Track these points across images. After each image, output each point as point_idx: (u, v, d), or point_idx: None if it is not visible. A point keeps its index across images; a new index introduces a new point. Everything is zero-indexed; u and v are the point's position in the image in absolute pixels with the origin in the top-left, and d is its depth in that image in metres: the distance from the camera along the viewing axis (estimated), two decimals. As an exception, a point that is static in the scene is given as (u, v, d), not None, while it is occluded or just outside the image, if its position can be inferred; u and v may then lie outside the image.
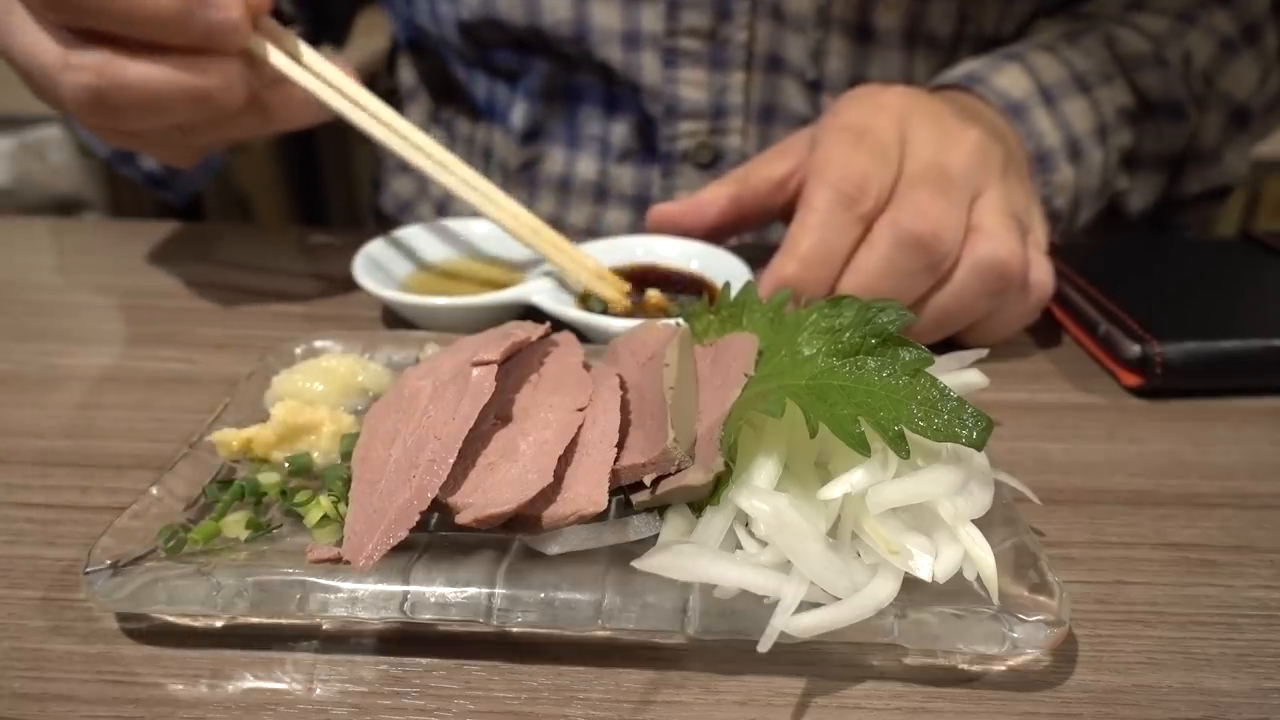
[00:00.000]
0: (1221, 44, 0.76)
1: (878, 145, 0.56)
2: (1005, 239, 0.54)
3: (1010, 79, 0.69)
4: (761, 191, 0.63)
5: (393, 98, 0.99)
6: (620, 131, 0.82)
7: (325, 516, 0.39)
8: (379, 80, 1.04)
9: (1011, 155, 0.62)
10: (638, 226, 0.85)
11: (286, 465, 0.43)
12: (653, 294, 0.64)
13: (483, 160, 0.91)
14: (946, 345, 0.59)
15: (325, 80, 0.60)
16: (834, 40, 0.76)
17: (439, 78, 0.92)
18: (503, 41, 0.81)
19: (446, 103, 0.93)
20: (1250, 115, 0.78)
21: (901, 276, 0.54)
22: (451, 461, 0.38)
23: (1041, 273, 0.57)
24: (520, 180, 0.87)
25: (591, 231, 0.86)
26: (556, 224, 0.88)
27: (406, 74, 0.96)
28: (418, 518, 0.36)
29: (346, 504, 0.39)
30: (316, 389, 0.48)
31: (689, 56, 0.77)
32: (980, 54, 0.73)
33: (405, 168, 0.98)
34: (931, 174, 0.55)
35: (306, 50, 0.60)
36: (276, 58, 0.57)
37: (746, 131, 0.80)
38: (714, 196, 0.64)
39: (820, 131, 0.59)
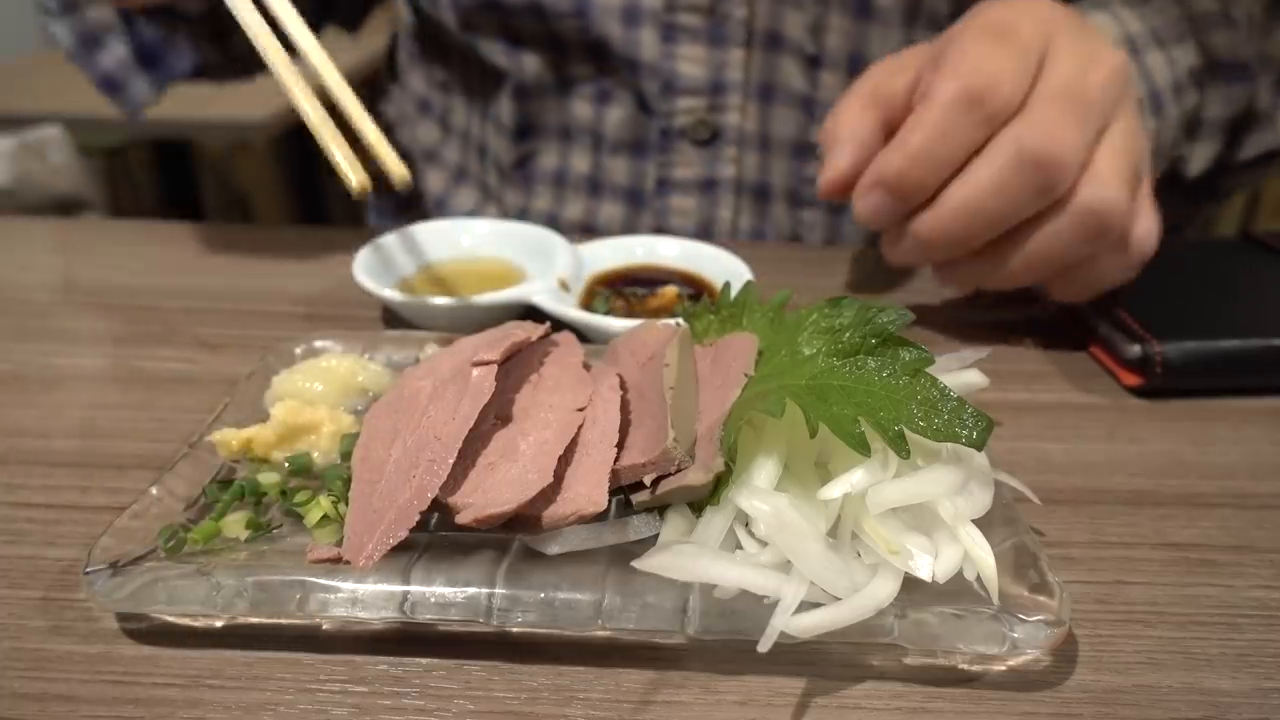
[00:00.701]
0: (1267, 7, 0.74)
1: (1019, 46, 0.52)
2: (1116, 187, 0.51)
3: (1101, 23, 0.66)
4: (897, 106, 0.57)
5: (390, 94, 0.99)
6: (613, 122, 0.82)
7: (325, 516, 0.39)
8: (380, 78, 1.05)
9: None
10: (632, 219, 0.85)
11: (286, 465, 0.43)
12: (670, 290, 0.64)
13: (479, 155, 0.91)
14: (947, 342, 0.60)
15: None
16: (833, 16, 0.76)
17: (434, 70, 0.92)
18: (496, 27, 0.80)
19: (442, 95, 0.93)
20: None
21: (1013, 197, 0.51)
22: (451, 461, 0.38)
23: (1145, 227, 0.54)
24: (515, 177, 0.88)
25: (587, 226, 0.86)
26: (552, 219, 0.88)
27: (403, 66, 0.96)
28: (418, 518, 0.36)
29: (346, 504, 0.39)
30: (316, 389, 0.48)
31: (688, 32, 0.77)
32: None
33: (404, 160, 0.98)
34: (1069, 91, 0.51)
35: None
36: None
37: (745, 109, 0.80)
38: (860, 125, 0.57)
39: (958, 30, 0.56)
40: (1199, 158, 0.75)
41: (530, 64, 0.81)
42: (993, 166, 0.51)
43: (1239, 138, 0.77)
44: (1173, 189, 0.76)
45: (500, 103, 0.85)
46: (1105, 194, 0.51)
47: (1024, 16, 0.54)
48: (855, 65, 0.77)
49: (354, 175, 0.54)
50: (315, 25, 0.96)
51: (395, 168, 0.57)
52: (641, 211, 0.85)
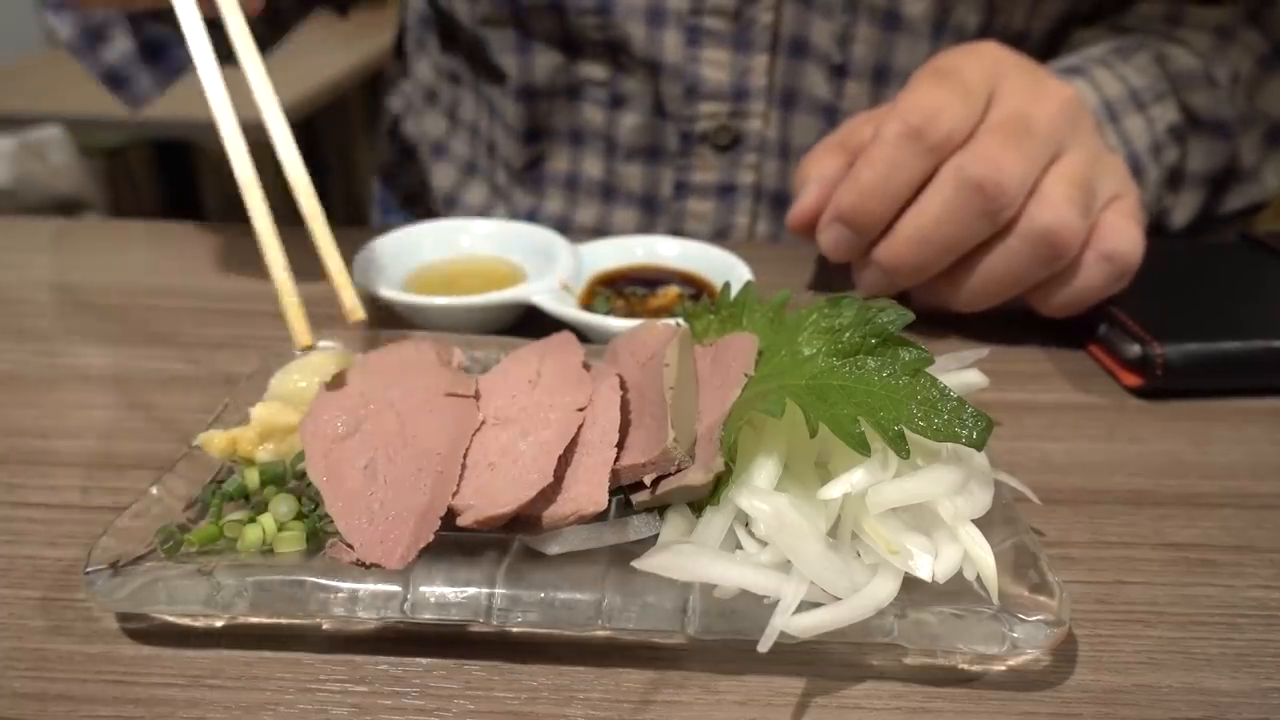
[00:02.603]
0: (1258, 61, 0.76)
1: (960, 85, 0.55)
2: (1064, 210, 0.53)
3: (1078, 89, 0.68)
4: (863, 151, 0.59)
5: (397, 86, 0.99)
6: (627, 128, 0.82)
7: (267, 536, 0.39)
8: (388, 68, 1.04)
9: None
10: (647, 224, 0.85)
11: (260, 475, 0.41)
12: (670, 290, 0.64)
13: (488, 154, 0.90)
14: (947, 342, 0.60)
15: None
16: (861, 26, 0.76)
17: (442, 60, 0.91)
18: (511, 23, 0.80)
19: (450, 86, 0.92)
20: None
21: (960, 223, 0.54)
22: (458, 472, 0.39)
23: (1122, 241, 0.56)
24: (525, 178, 0.87)
25: (600, 230, 0.86)
26: (564, 222, 0.87)
27: (411, 54, 0.96)
28: (439, 522, 0.37)
29: (317, 517, 0.39)
30: (314, 389, 0.47)
31: (713, 36, 0.77)
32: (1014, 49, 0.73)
33: (410, 155, 0.98)
34: (1011, 123, 0.54)
35: None
36: None
37: (768, 116, 0.80)
38: (827, 166, 0.61)
39: (911, 77, 0.59)
40: (1183, 210, 0.76)
41: (541, 65, 0.81)
42: (939, 195, 0.54)
43: (1222, 191, 0.78)
44: (1155, 240, 0.78)
45: (505, 105, 0.85)
46: (1051, 216, 0.54)
47: (970, 59, 0.58)
48: (881, 76, 0.78)
49: (303, 338, 0.50)
50: (301, 10, 0.95)
51: (350, 305, 0.51)
52: (657, 216, 0.85)
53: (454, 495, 0.38)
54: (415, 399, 0.44)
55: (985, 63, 0.57)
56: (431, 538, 0.36)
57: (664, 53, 0.77)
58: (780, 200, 0.84)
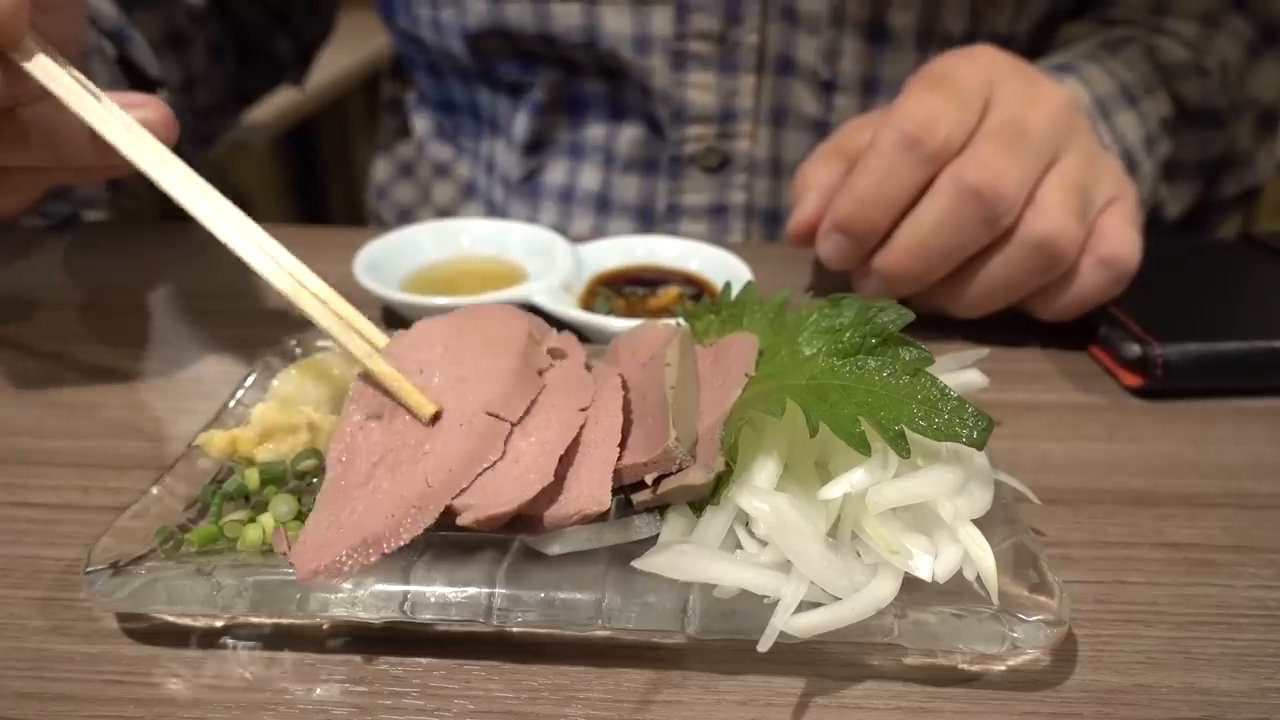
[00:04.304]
0: (1246, 47, 0.76)
1: (955, 91, 0.55)
2: (1061, 218, 0.54)
3: (1069, 87, 0.68)
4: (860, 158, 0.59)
5: (396, 106, 0.99)
6: (625, 141, 0.82)
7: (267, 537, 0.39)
8: (382, 86, 1.04)
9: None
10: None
11: (260, 475, 0.41)
12: (671, 290, 0.64)
13: (486, 172, 0.91)
14: (947, 342, 0.60)
15: (119, 122, 0.48)
16: (848, 40, 0.76)
17: (440, 89, 0.91)
18: (507, 52, 0.80)
19: (449, 114, 0.92)
20: (1276, 117, 0.78)
21: (959, 230, 0.54)
22: (438, 511, 0.37)
23: (1119, 246, 0.56)
24: (522, 191, 0.87)
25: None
26: (558, 234, 0.88)
27: (409, 83, 0.96)
28: (373, 560, 0.36)
29: (304, 516, 0.39)
30: (314, 389, 0.47)
31: (698, 60, 0.77)
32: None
33: (407, 172, 0.98)
34: (1007, 129, 0.54)
35: (96, 91, 0.48)
36: (45, 69, 0.46)
37: (755, 135, 0.80)
38: (825, 175, 0.61)
39: (907, 83, 0.59)
40: (1177, 201, 0.76)
41: (544, 82, 0.81)
42: (937, 203, 0.54)
43: (1219, 178, 0.78)
44: (1151, 231, 0.78)
45: (515, 118, 0.84)
46: (1048, 224, 0.54)
47: (965, 64, 0.58)
48: (870, 88, 0.78)
49: (426, 407, 0.42)
50: (249, 95, 0.98)
51: (422, 407, 0.42)
52: (651, 231, 0.85)
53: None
54: (459, 397, 0.42)
55: (980, 67, 0.57)
56: (356, 570, 0.35)
57: (652, 78, 0.77)
58: (772, 218, 0.84)
